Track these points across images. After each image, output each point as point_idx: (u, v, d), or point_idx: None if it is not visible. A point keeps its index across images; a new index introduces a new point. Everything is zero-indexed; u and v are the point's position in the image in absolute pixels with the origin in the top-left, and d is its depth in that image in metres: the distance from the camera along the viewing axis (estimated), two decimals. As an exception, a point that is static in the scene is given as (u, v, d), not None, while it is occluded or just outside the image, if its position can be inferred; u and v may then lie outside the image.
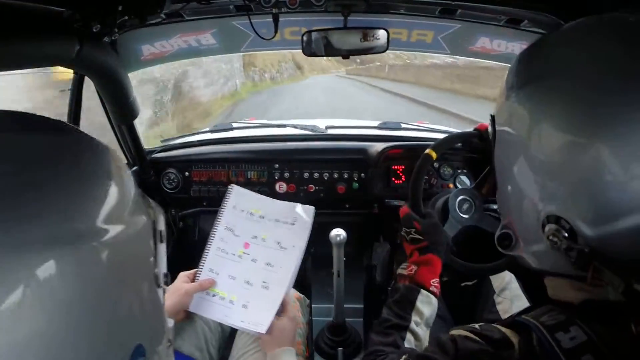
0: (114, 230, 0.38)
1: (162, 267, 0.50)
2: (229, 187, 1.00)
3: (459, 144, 1.30)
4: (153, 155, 1.49)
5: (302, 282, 1.62)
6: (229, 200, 0.98)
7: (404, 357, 0.60)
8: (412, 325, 0.78)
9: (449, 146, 1.08)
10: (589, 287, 0.50)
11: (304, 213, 0.96)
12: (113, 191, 0.42)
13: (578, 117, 0.45)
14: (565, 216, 0.45)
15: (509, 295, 1.17)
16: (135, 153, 1.38)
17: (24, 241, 0.31)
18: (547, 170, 0.47)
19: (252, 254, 0.94)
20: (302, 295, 1.11)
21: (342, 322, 1.21)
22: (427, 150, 1.02)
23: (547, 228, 0.47)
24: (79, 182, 0.39)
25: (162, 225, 0.51)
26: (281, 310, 0.89)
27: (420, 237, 0.87)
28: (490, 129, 0.60)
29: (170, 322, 0.54)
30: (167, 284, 0.51)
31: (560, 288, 0.54)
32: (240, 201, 0.98)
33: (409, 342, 0.77)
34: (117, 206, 0.41)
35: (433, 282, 0.83)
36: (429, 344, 0.60)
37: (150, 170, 1.45)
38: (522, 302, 1.14)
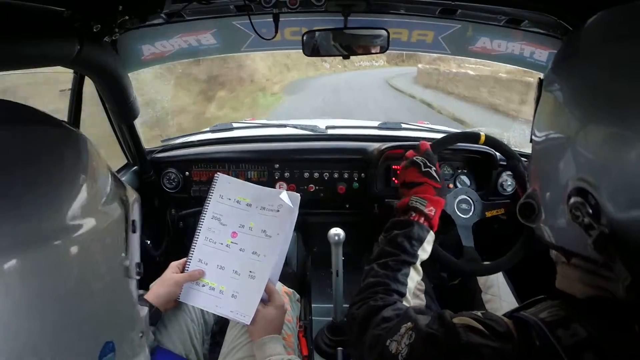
0: (83, 226, 0.38)
1: (135, 257, 0.49)
2: (215, 175, 0.99)
3: (501, 155, 1.29)
4: (153, 155, 1.49)
5: (302, 282, 1.62)
6: (215, 189, 0.97)
7: (408, 324, 0.58)
8: (418, 263, 0.77)
9: (495, 149, 1.12)
10: (600, 281, 0.49)
11: (289, 200, 0.95)
12: (85, 187, 0.40)
13: (602, 100, 0.45)
14: (593, 192, 0.44)
15: (497, 293, 1.16)
16: (136, 153, 1.38)
17: None
18: (585, 146, 0.46)
19: (240, 243, 0.94)
20: (291, 290, 1.11)
21: (342, 322, 1.20)
22: (481, 132, 1.05)
23: (572, 200, 0.46)
24: (50, 179, 0.37)
25: (135, 215, 0.50)
26: (267, 299, 0.90)
27: (437, 178, 0.85)
28: (536, 93, 0.58)
29: (143, 311, 0.53)
30: (139, 274, 0.50)
31: (569, 279, 0.54)
32: (226, 189, 0.98)
33: (412, 278, 0.75)
34: (88, 202, 0.40)
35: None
36: (432, 321, 0.57)
37: (150, 170, 1.45)
38: (512, 299, 1.14)
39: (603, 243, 0.44)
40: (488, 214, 1.08)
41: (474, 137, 1.07)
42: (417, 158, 0.88)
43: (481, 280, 1.21)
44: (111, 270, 0.43)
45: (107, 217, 0.42)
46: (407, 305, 0.72)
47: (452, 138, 1.07)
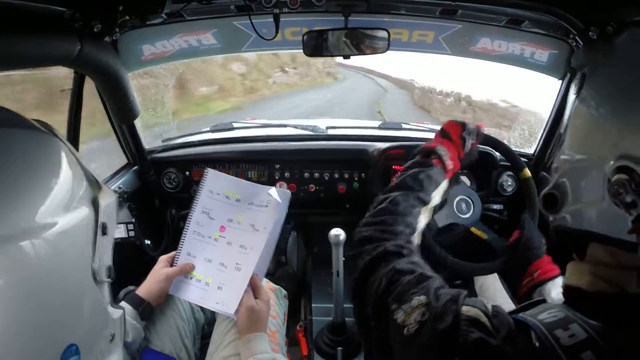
0: (48, 228, 0.37)
1: (105, 261, 0.49)
2: (205, 170, 1.00)
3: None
4: (154, 155, 1.49)
5: (302, 282, 1.62)
6: (205, 183, 0.99)
7: (421, 299, 0.55)
8: (430, 204, 0.77)
9: (529, 198, 1.06)
10: (612, 272, 0.49)
11: (278, 196, 0.96)
12: (51, 189, 0.40)
13: None
14: (638, 169, 0.44)
15: (493, 296, 1.16)
16: (136, 152, 1.38)
17: None
18: (630, 125, 0.46)
19: (227, 237, 0.95)
20: (276, 287, 1.11)
21: (342, 322, 1.21)
22: (526, 169, 1.03)
23: (615, 177, 0.46)
24: (15, 180, 0.37)
25: (108, 217, 0.49)
26: (256, 293, 0.90)
27: (466, 149, 0.88)
28: (577, 86, 0.57)
29: (116, 314, 0.52)
30: (109, 277, 0.49)
31: (579, 272, 0.53)
32: (216, 184, 0.99)
33: (421, 221, 0.75)
34: (53, 204, 0.40)
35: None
36: (445, 302, 0.54)
37: (150, 170, 1.46)
38: (507, 302, 1.14)
39: None
40: (473, 230, 1.04)
41: (518, 166, 1.04)
42: (469, 123, 0.91)
43: (477, 284, 1.20)
44: (76, 273, 0.43)
45: (74, 219, 0.42)
46: (417, 249, 0.71)
47: (502, 146, 1.04)
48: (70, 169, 0.44)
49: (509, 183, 1.44)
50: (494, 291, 1.17)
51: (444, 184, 0.81)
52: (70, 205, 0.42)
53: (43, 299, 0.37)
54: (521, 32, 1.22)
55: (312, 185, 1.50)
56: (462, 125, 0.90)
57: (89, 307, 0.45)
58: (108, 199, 0.50)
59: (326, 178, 1.49)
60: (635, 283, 0.44)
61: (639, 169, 0.44)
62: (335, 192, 1.50)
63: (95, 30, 0.89)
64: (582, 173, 0.54)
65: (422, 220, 0.76)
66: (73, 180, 0.44)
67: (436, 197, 0.79)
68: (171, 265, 0.95)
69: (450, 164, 0.83)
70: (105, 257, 0.49)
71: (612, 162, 0.47)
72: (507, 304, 1.13)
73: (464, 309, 0.52)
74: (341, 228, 1.11)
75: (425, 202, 0.76)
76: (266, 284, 1.07)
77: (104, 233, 0.48)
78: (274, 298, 1.05)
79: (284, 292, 1.13)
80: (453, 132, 0.89)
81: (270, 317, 0.96)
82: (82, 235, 0.44)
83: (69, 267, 0.42)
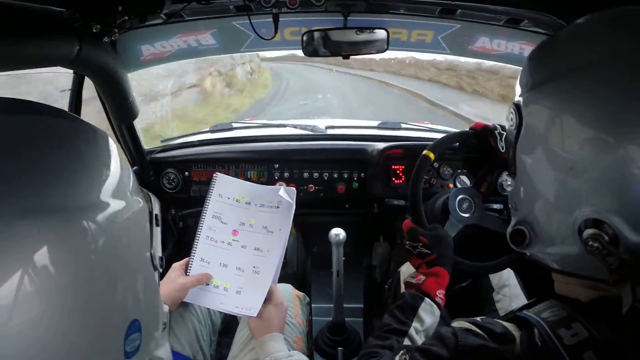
0: (114, 206, 0.40)
1: (158, 251, 0.52)
2: (214, 175, 1.01)
3: (456, 144, 1.28)
4: (153, 155, 1.49)
5: (302, 282, 1.62)
6: (214, 188, 0.99)
7: (401, 352, 0.59)
8: (412, 331, 0.77)
9: (446, 146, 1.07)
10: (603, 284, 0.49)
11: (287, 195, 0.96)
12: (113, 170, 0.44)
13: (605, 119, 0.43)
14: (609, 221, 0.42)
15: (509, 293, 1.16)
16: (135, 153, 1.38)
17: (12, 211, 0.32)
18: (595, 174, 0.43)
19: (241, 241, 0.95)
20: (302, 294, 1.12)
21: (342, 322, 1.21)
22: (424, 152, 1.02)
23: (587, 232, 0.44)
24: (79, 161, 0.40)
25: (157, 210, 0.53)
26: (267, 298, 0.90)
27: (428, 252, 0.87)
28: (514, 119, 0.55)
29: (165, 307, 0.55)
30: (161, 267, 0.52)
31: (571, 284, 0.53)
32: (225, 189, 0.99)
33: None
34: (117, 184, 0.43)
35: (439, 293, 0.82)
36: (428, 338, 0.59)
37: (150, 170, 1.45)
38: (522, 300, 1.14)
39: (623, 269, 0.43)
40: (482, 189, 1.10)
41: (425, 162, 1.02)
42: (406, 245, 0.91)
43: (494, 279, 1.21)
44: (139, 255, 0.46)
45: (134, 205, 0.45)
46: None
47: (415, 185, 1.01)
48: (120, 159, 0.47)
49: (509, 183, 1.44)
50: (509, 289, 1.17)
51: (424, 305, 0.80)
52: (131, 191, 0.46)
53: (113, 272, 0.39)
54: (520, 32, 1.22)
55: (311, 185, 1.50)
56: (408, 252, 0.90)
57: (148, 289, 0.48)
58: (154, 197, 0.54)
59: (325, 178, 1.49)
60: (628, 292, 0.43)
61: (609, 220, 0.43)
62: (335, 192, 1.50)
63: (94, 30, 0.89)
64: (550, 219, 0.51)
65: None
66: (127, 168, 0.47)
67: (418, 323, 0.78)
68: (185, 271, 0.93)
69: (420, 280, 0.83)
70: (158, 247, 0.52)
71: (580, 214, 0.45)
72: (521, 302, 1.13)
73: (455, 324, 0.55)
74: (341, 228, 1.11)
75: (402, 331, 0.77)
76: (292, 291, 1.09)
77: (157, 224, 0.52)
78: (299, 305, 1.07)
79: (308, 299, 1.14)
80: (413, 263, 0.90)
81: (297, 324, 0.98)
82: (143, 221, 0.48)
83: (133, 248, 0.44)
